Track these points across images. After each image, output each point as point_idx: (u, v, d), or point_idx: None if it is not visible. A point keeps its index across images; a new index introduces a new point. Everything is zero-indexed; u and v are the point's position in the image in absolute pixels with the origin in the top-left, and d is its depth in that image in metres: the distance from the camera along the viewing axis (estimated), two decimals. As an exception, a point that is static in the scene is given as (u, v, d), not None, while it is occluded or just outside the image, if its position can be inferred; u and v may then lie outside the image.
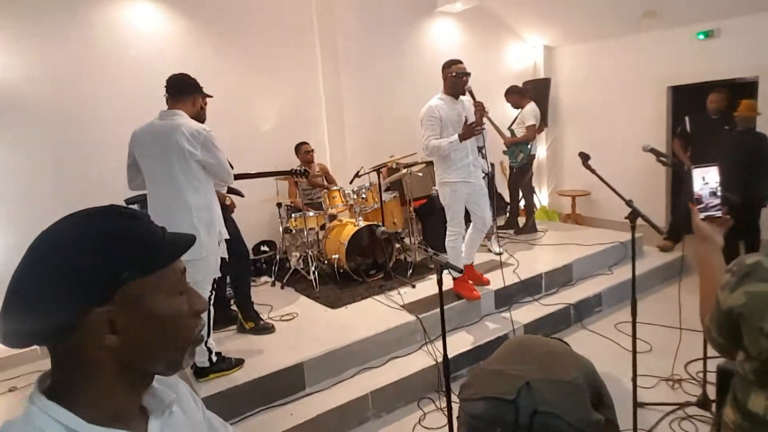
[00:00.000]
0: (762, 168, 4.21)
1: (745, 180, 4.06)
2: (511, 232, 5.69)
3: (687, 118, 5.12)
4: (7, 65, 3.93)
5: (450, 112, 3.59)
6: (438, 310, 3.61)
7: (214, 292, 2.89)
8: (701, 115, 5.01)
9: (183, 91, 2.84)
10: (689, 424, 2.69)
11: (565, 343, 2.15)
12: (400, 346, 3.43)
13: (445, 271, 1.97)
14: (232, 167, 3.63)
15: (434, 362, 3.25)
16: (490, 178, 5.66)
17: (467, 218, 3.89)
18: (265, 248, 5.09)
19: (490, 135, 5.35)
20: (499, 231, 5.71)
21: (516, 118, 5.54)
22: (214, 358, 2.96)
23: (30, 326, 0.63)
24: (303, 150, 4.97)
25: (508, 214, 6.03)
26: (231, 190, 3.60)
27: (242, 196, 3.71)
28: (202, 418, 0.87)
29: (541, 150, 7.41)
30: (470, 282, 3.83)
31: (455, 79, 3.56)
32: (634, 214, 2.13)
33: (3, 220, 3.93)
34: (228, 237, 2.96)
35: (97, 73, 4.31)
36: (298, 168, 3.70)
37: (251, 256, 4.41)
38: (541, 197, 7.50)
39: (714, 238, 1.30)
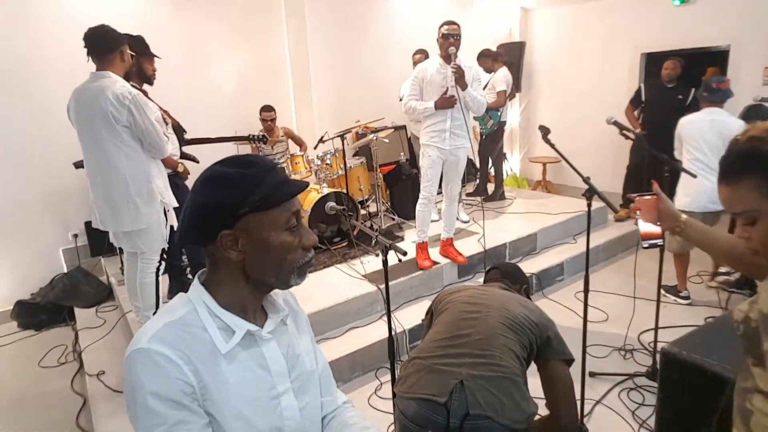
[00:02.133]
0: None
1: None
2: (480, 199, 5.66)
3: (642, 86, 5.15)
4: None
5: (436, 76, 3.45)
6: (401, 279, 3.64)
7: (163, 263, 2.78)
8: (656, 82, 5.04)
9: (104, 48, 2.56)
10: (637, 394, 2.75)
11: (512, 269, 2.14)
12: (359, 317, 3.41)
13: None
14: (184, 131, 3.48)
15: (394, 332, 3.23)
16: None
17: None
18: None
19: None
20: (467, 198, 5.70)
21: (486, 83, 5.40)
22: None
23: (191, 234, 0.92)
24: (262, 116, 4.76)
25: (477, 181, 5.99)
26: (184, 155, 3.44)
27: (197, 161, 3.54)
28: (310, 345, 1.13)
29: (513, 116, 7.33)
30: (425, 253, 3.81)
31: (441, 40, 3.41)
32: (590, 192, 2.09)
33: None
34: (177, 205, 2.83)
35: (39, 29, 4.00)
36: (257, 134, 3.54)
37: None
38: (513, 164, 7.47)
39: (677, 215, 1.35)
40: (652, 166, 3.77)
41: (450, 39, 3.34)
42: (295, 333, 1.08)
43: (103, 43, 2.56)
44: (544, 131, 2.38)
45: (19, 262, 4.20)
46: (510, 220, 4.95)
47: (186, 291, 0.98)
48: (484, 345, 1.57)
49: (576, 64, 6.60)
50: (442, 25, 3.42)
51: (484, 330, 1.61)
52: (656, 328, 2.89)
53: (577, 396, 2.41)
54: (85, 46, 2.56)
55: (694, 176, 2.81)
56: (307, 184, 0.99)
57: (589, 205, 2.14)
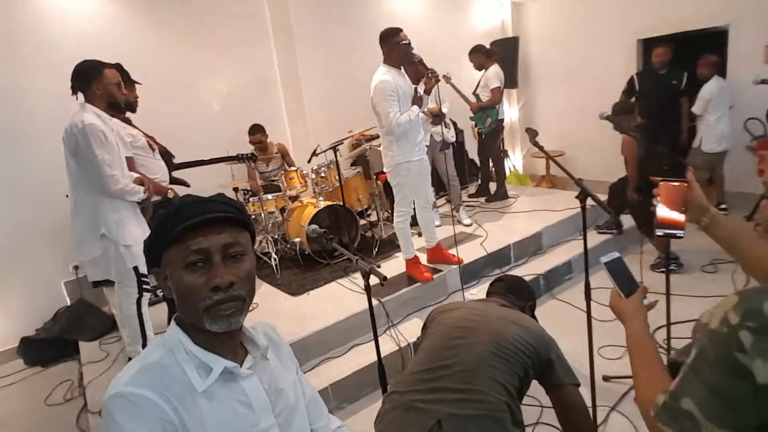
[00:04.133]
0: None
1: None
2: (483, 200, 5.56)
3: (635, 77, 5.08)
4: None
5: (403, 85, 3.37)
6: (403, 290, 3.56)
7: (145, 294, 2.75)
8: (648, 70, 4.98)
9: (80, 84, 2.61)
10: (654, 396, 2.62)
11: (518, 284, 2.03)
12: (362, 333, 3.33)
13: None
14: (172, 156, 3.44)
15: (397, 347, 3.16)
16: (456, 146, 5.50)
17: None
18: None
19: (456, 102, 5.15)
20: (470, 200, 5.60)
21: (479, 81, 5.31)
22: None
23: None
24: (250, 140, 4.65)
25: (479, 182, 5.89)
26: (174, 180, 3.39)
27: (188, 185, 3.50)
28: (295, 376, 1.12)
29: (512, 112, 7.22)
30: (422, 265, 3.72)
31: (406, 48, 3.31)
32: (583, 194, 1.99)
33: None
34: (128, 243, 2.68)
35: (29, 59, 4.00)
36: (246, 153, 3.49)
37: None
38: (515, 161, 7.35)
39: (633, 314, 1.10)
40: (648, 159, 3.68)
41: (411, 46, 3.30)
42: (278, 366, 1.07)
43: (78, 80, 2.59)
44: (532, 134, 2.29)
45: (22, 297, 4.18)
46: (514, 219, 4.85)
47: None
48: (467, 378, 1.47)
49: (572, 54, 6.48)
50: (395, 35, 3.30)
51: (468, 360, 1.51)
52: (668, 324, 2.77)
53: (588, 404, 2.32)
54: (71, 83, 2.61)
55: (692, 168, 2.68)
56: (212, 218, 0.93)
57: (583, 207, 2.04)
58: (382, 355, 3.04)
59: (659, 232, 1.30)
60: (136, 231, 2.72)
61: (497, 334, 1.58)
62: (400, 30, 3.32)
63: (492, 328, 1.61)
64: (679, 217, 1.26)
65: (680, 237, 1.28)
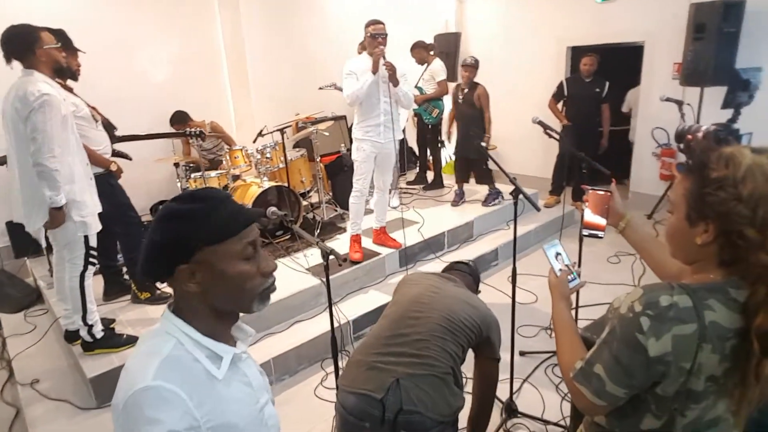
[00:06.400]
0: None
1: None
2: (420, 188, 5.83)
3: (564, 82, 5.52)
4: None
5: (366, 70, 3.52)
6: (345, 271, 3.73)
7: (90, 266, 2.72)
8: (576, 77, 5.43)
9: (17, 50, 2.47)
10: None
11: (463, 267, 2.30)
12: (304, 310, 3.48)
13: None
14: (114, 128, 3.37)
15: (337, 324, 3.33)
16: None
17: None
18: (164, 209, 4.82)
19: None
20: (408, 187, 5.85)
21: (422, 74, 5.53)
22: (98, 334, 2.83)
23: (150, 269, 0.95)
24: (174, 128, 4.53)
25: (417, 169, 6.15)
26: (116, 153, 3.33)
27: (129, 159, 3.45)
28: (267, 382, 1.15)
29: (448, 105, 7.53)
30: (358, 245, 3.94)
31: (369, 39, 3.50)
32: (516, 191, 2.27)
33: None
34: (83, 214, 2.66)
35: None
36: (194, 130, 3.48)
37: (148, 217, 4.17)
38: (450, 152, 7.69)
39: (560, 294, 1.32)
40: (574, 158, 4.07)
41: (378, 39, 3.45)
42: (256, 365, 1.13)
43: (14, 46, 2.46)
44: (477, 137, 2.53)
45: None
46: (448, 208, 5.15)
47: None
48: (422, 345, 1.72)
49: (507, 54, 6.86)
50: (368, 25, 3.51)
51: (423, 331, 1.76)
52: (576, 307, 3.16)
53: (508, 375, 2.64)
54: (2, 50, 2.44)
55: (608, 173, 3.04)
56: (262, 213, 1.04)
57: (515, 203, 2.32)
58: (324, 331, 3.27)
59: (585, 233, 1.55)
60: (90, 201, 2.68)
61: (449, 311, 1.84)
62: (375, 21, 3.51)
63: (445, 305, 1.86)
64: (602, 221, 1.51)
65: (600, 237, 1.54)
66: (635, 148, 5.91)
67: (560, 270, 1.38)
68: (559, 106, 5.53)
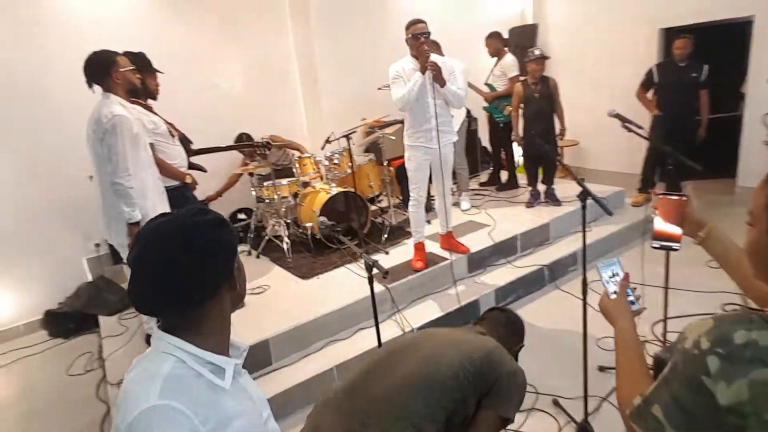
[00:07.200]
0: None
1: None
2: (493, 189, 5.60)
3: (654, 68, 5.00)
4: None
5: (413, 73, 3.41)
6: (410, 277, 3.66)
7: None
8: (668, 62, 4.92)
9: (96, 75, 2.66)
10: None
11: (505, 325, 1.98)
12: (368, 317, 3.43)
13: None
14: (190, 142, 3.55)
15: (401, 332, 3.27)
16: (472, 132, 5.53)
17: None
18: (242, 216, 5.05)
19: (470, 94, 5.15)
20: (480, 188, 5.65)
21: (492, 71, 5.30)
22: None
23: (190, 298, 0.94)
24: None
25: (491, 169, 5.91)
26: (192, 166, 3.51)
27: (204, 171, 3.62)
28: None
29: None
30: (421, 253, 3.80)
31: (411, 40, 3.38)
32: (584, 194, 2.04)
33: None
34: None
35: (48, 40, 4.12)
36: (261, 141, 3.58)
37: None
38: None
39: (619, 314, 1.14)
40: (655, 157, 3.67)
41: (420, 38, 3.31)
42: (251, 380, 1.11)
43: (94, 72, 2.66)
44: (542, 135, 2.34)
45: (46, 272, 4.38)
46: (522, 209, 4.88)
47: None
48: (395, 408, 1.51)
49: (591, 43, 6.40)
50: (409, 26, 3.38)
51: (398, 395, 1.53)
52: (665, 319, 2.82)
53: (580, 393, 2.41)
54: (84, 76, 2.66)
55: (699, 168, 2.69)
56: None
57: (583, 207, 2.10)
58: (387, 339, 3.20)
59: (655, 244, 1.34)
60: None
61: (424, 362, 1.59)
62: (415, 22, 3.38)
63: (421, 355, 1.60)
64: (676, 230, 1.31)
65: (676, 250, 1.32)
66: (743, 136, 5.24)
67: (614, 293, 1.19)
68: (649, 95, 5.05)
